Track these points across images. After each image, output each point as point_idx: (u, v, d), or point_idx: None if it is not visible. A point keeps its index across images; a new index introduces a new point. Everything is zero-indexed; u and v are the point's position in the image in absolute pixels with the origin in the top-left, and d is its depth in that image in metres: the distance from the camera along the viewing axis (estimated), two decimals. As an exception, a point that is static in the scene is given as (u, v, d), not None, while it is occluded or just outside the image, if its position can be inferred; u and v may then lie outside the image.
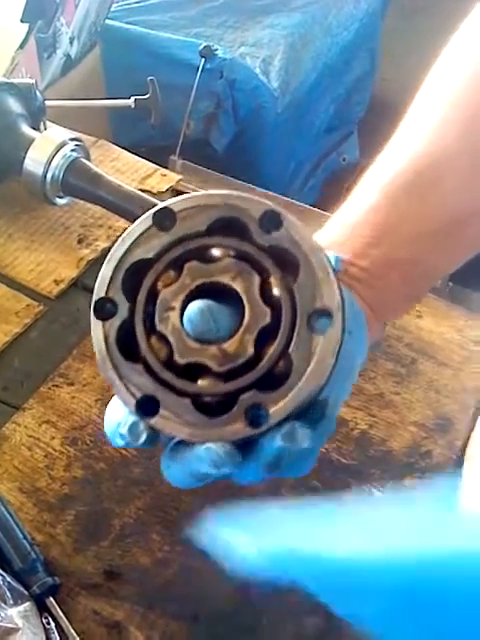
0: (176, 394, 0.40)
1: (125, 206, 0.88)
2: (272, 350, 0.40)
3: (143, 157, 1.06)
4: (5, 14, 1.34)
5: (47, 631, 0.60)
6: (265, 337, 0.40)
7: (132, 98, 1.34)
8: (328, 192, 2.13)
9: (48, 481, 0.70)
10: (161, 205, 0.41)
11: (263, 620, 0.62)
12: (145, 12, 1.88)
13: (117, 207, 0.89)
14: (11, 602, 0.59)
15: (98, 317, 0.41)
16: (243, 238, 0.41)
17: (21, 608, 0.59)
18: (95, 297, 0.41)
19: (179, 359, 0.40)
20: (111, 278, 0.41)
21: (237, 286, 0.41)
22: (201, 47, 1.69)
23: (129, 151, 1.07)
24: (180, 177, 1.03)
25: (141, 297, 0.41)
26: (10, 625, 0.57)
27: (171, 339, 0.41)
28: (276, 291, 0.41)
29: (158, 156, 1.14)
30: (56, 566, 0.64)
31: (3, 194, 0.95)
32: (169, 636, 0.62)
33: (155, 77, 1.34)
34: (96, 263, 0.89)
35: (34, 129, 0.93)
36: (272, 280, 0.41)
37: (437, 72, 0.54)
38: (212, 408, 0.40)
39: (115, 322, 0.41)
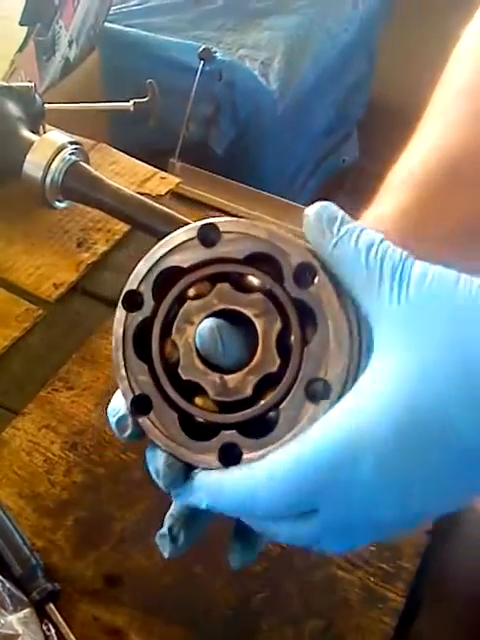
0: (167, 405, 0.42)
1: (124, 209, 0.88)
2: (267, 399, 0.41)
3: (142, 160, 1.06)
4: (4, 17, 1.34)
5: (47, 637, 0.59)
6: (268, 383, 0.41)
7: (131, 101, 1.34)
8: (328, 193, 2.13)
9: (48, 486, 0.70)
10: (209, 221, 0.42)
11: (263, 625, 0.62)
12: (144, 15, 1.88)
13: (116, 210, 0.89)
14: (11, 608, 0.59)
15: (124, 308, 0.43)
16: (277, 279, 0.41)
17: (21, 614, 0.59)
18: (127, 288, 0.43)
19: (182, 373, 0.42)
20: (145, 274, 0.43)
21: (258, 324, 0.41)
22: (200, 50, 1.69)
23: (128, 154, 1.07)
24: (179, 180, 1.03)
25: (167, 301, 0.43)
26: (10, 631, 0.57)
27: (180, 352, 0.42)
28: (292, 343, 0.41)
29: (157, 159, 1.14)
30: (56, 572, 0.64)
31: (2, 198, 0.95)
32: (170, 642, 0.61)
33: (154, 80, 1.34)
34: (95, 267, 0.89)
35: (33, 132, 0.93)
36: (292, 331, 0.41)
37: (451, 66, 0.55)
38: (198, 428, 0.42)
39: (138, 317, 0.43)
